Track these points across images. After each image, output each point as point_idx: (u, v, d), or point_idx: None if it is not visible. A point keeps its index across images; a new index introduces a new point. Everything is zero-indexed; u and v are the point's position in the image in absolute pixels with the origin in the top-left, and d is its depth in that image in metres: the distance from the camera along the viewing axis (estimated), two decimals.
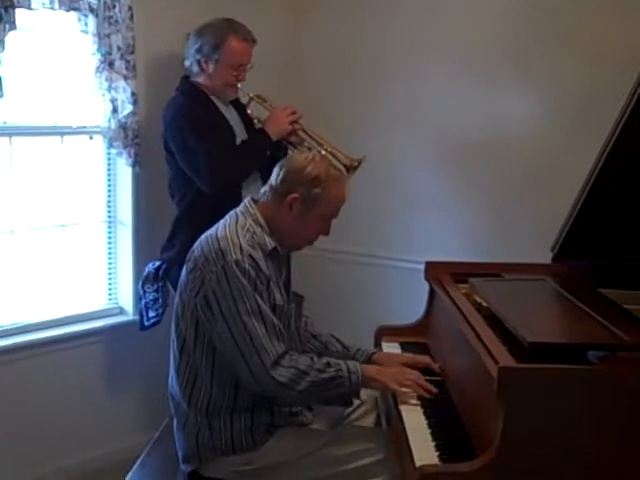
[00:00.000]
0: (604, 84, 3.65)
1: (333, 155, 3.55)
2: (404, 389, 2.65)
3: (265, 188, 2.75)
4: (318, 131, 3.67)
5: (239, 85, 3.62)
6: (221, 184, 3.47)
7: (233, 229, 2.62)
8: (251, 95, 3.70)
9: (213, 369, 2.63)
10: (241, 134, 3.65)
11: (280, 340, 2.56)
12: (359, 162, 3.51)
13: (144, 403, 4.16)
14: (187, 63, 3.60)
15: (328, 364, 2.61)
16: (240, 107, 3.74)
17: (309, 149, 3.64)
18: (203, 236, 2.69)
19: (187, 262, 2.68)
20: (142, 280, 3.71)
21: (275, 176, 2.71)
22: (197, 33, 3.56)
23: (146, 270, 3.69)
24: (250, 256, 2.55)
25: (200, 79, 3.59)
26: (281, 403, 2.68)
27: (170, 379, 2.78)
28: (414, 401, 2.61)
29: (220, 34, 3.51)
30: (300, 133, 3.66)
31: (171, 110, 3.54)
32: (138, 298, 3.77)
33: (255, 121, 3.71)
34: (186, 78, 3.64)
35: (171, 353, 2.75)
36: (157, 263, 3.66)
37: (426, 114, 4.24)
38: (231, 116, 3.67)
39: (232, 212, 2.75)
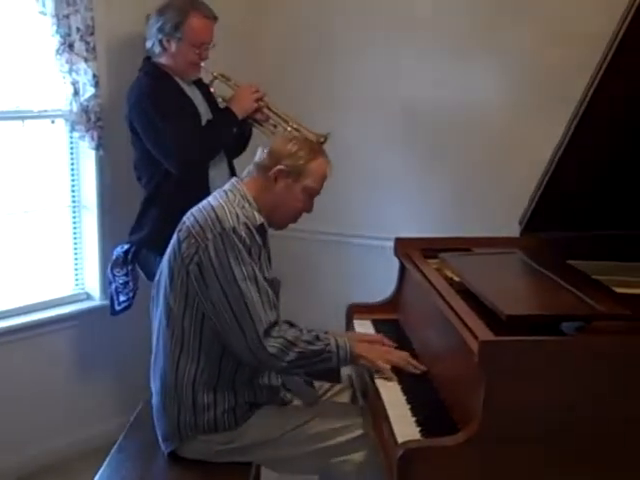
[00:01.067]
0: (570, 57, 3.68)
1: (298, 131, 3.56)
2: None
3: (249, 167, 2.79)
4: (282, 108, 3.66)
5: (202, 64, 3.59)
6: (189, 164, 3.46)
7: (226, 201, 2.66)
8: (215, 74, 3.67)
9: (201, 339, 2.63)
10: (205, 114, 3.62)
11: (272, 309, 2.59)
12: (325, 138, 3.52)
13: (117, 387, 4.13)
14: (149, 44, 3.55)
15: (317, 337, 2.63)
16: (203, 87, 3.71)
17: (274, 126, 3.65)
18: (194, 208, 2.72)
19: (178, 232, 2.68)
20: (111, 264, 3.66)
21: (259, 154, 2.77)
22: (158, 12, 3.52)
23: (114, 254, 3.65)
24: (245, 225, 2.59)
25: (162, 59, 3.55)
26: (269, 370, 2.71)
27: (153, 356, 2.77)
28: (394, 384, 2.61)
29: (182, 12, 3.47)
30: (265, 110, 3.66)
31: (135, 91, 3.50)
32: (107, 282, 3.73)
33: (219, 100, 3.69)
34: (148, 59, 3.60)
35: (156, 326, 2.75)
36: (125, 246, 3.63)
37: (391, 90, 4.23)
38: (195, 96, 3.64)
39: (219, 190, 2.79)
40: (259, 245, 2.63)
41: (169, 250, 2.71)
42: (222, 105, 3.66)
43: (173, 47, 3.51)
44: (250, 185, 2.75)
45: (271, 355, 2.55)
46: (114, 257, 3.66)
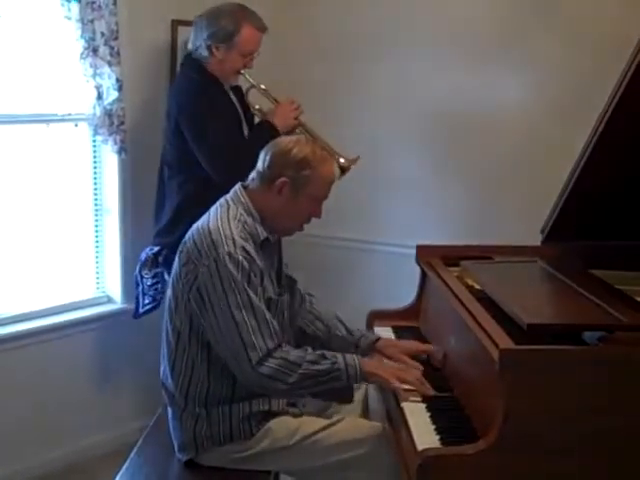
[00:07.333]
0: (590, 64, 3.69)
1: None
2: (405, 386, 2.57)
3: (253, 174, 2.72)
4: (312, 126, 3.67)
5: (243, 72, 3.60)
6: (233, 176, 3.43)
7: (225, 220, 2.59)
8: (261, 86, 3.69)
9: (209, 362, 2.61)
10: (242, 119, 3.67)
11: (271, 335, 2.51)
12: (351, 162, 3.54)
13: (137, 391, 4.14)
14: (192, 46, 3.54)
15: (323, 356, 2.56)
16: (238, 92, 3.72)
17: None
18: (195, 227, 2.66)
19: (179, 254, 2.65)
20: (139, 265, 3.66)
21: (262, 161, 2.68)
22: (211, 17, 3.51)
23: (143, 255, 3.65)
24: (243, 248, 2.53)
25: (208, 63, 3.54)
26: (275, 395, 2.64)
27: (162, 371, 2.75)
28: (415, 398, 2.53)
29: (236, 22, 3.49)
30: (301, 129, 3.68)
31: (189, 92, 3.50)
32: (134, 284, 3.73)
33: (256, 107, 3.70)
34: (190, 57, 3.58)
35: (164, 346, 2.72)
36: (155, 248, 3.62)
37: (411, 96, 4.23)
38: (235, 101, 3.68)
39: (222, 200, 2.72)
40: (260, 267, 2.56)
41: (173, 271, 2.67)
42: (258, 115, 3.69)
43: (221, 54, 3.51)
44: (254, 194, 2.68)
45: (268, 378, 2.48)
46: (143, 259, 3.64)
